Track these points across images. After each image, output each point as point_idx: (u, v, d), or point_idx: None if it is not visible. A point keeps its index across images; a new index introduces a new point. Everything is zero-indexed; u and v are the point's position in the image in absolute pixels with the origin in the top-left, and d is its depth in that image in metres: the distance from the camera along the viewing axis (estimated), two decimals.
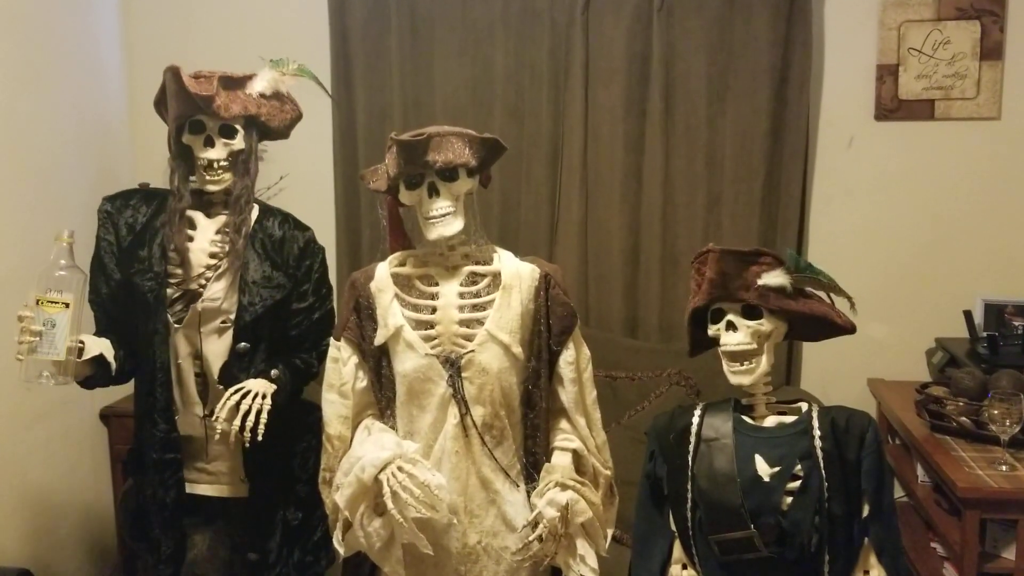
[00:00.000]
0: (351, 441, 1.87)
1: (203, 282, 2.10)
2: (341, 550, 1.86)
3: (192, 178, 2.15)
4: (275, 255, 2.17)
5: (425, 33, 3.28)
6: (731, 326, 1.77)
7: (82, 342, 2.02)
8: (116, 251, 2.15)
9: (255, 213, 2.19)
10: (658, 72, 3.15)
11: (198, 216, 2.15)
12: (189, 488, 2.18)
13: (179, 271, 2.11)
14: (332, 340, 1.92)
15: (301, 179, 3.35)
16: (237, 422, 1.98)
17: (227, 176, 2.11)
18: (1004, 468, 2.31)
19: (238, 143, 2.11)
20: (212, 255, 2.12)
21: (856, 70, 3.16)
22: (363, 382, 1.89)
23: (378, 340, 1.85)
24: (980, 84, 3.09)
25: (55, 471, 2.88)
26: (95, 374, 2.08)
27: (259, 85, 2.16)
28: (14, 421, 2.65)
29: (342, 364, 1.89)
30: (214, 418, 2.00)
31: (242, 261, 2.11)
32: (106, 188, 3.09)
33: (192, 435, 2.17)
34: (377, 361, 1.87)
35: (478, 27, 3.25)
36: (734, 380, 1.77)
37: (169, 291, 2.11)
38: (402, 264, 1.90)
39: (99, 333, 2.16)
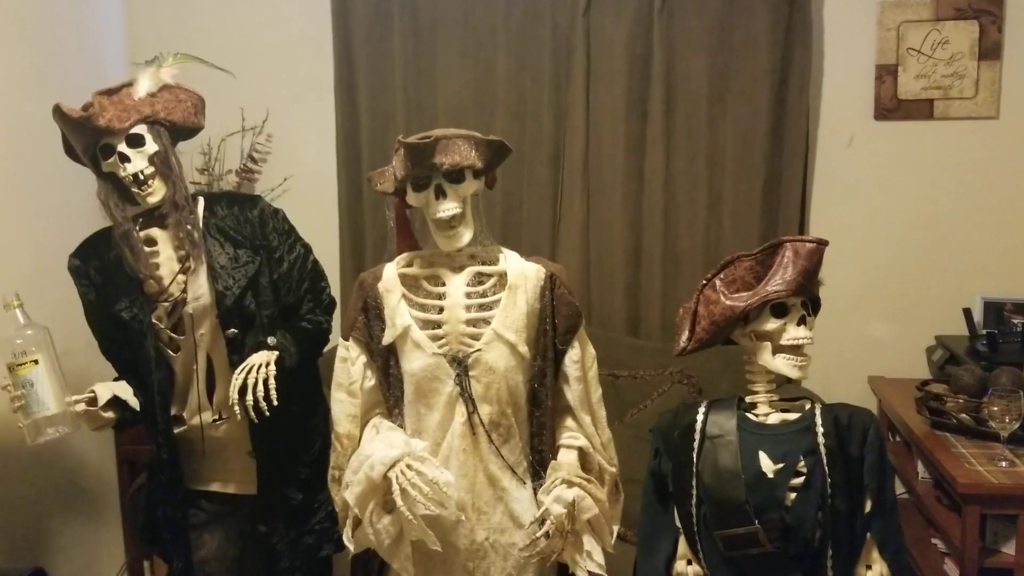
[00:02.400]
0: (360, 439, 1.89)
1: (183, 286, 2.11)
2: (351, 547, 1.88)
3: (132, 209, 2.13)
4: (234, 235, 2.16)
5: (427, 36, 3.30)
6: (802, 320, 1.77)
7: (93, 392, 2.05)
8: (96, 297, 2.15)
9: (201, 204, 2.19)
10: (659, 73, 3.17)
11: (154, 232, 2.13)
12: (199, 485, 2.21)
13: (156, 288, 2.10)
14: (341, 340, 1.95)
15: (305, 181, 3.39)
16: (249, 397, 2.00)
17: (158, 184, 2.08)
18: (1004, 464, 2.34)
19: (150, 147, 2.07)
20: (180, 259, 2.12)
21: (855, 70, 3.18)
22: (371, 381, 1.91)
23: (386, 340, 1.87)
24: (978, 84, 3.11)
25: (63, 472, 2.90)
26: (122, 416, 2.12)
27: (141, 87, 2.11)
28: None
29: (350, 363, 1.91)
30: (230, 402, 2.02)
31: (206, 251, 2.12)
32: None
33: (202, 435, 2.18)
34: (385, 360, 1.89)
35: (480, 29, 3.27)
36: (795, 374, 1.76)
37: (158, 311, 2.11)
38: (409, 265, 1.92)
39: (119, 378, 2.19)
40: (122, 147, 2.04)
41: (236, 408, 2.01)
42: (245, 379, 2.03)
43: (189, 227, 2.10)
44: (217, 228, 2.16)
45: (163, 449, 2.15)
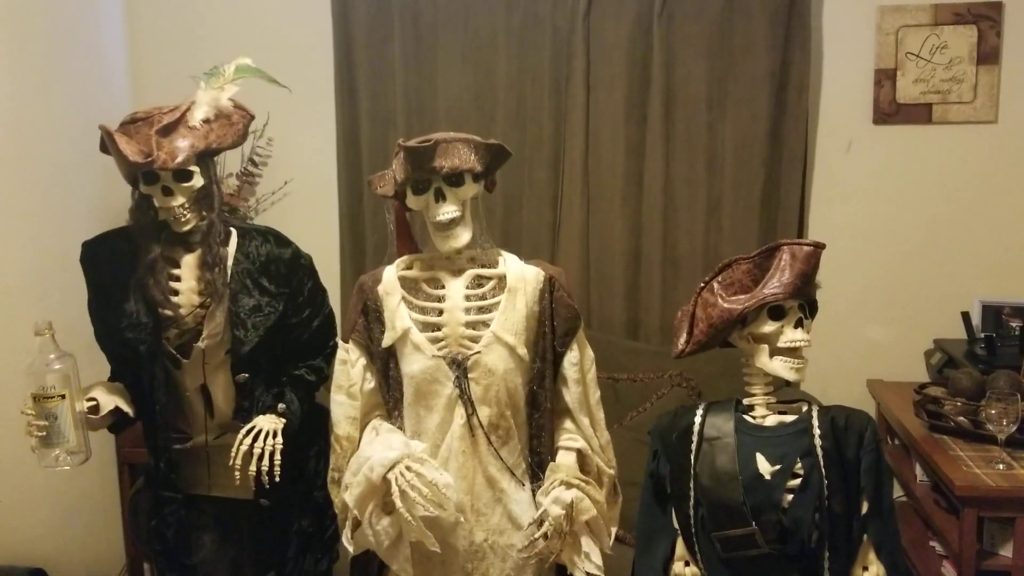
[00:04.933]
0: (359, 441, 1.91)
1: (199, 319, 2.07)
2: (351, 548, 1.89)
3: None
4: (262, 279, 2.11)
5: (428, 40, 3.31)
6: (799, 323, 1.78)
7: (94, 399, 2.04)
8: (107, 295, 2.09)
9: (233, 240, 2.12)
10: (658, 77, 3.18)
11: (179, 253, 2.08)
12: (199, 491, 2.21)
13: (171, 314, 2.06)
14: (340, 342, 1.95)
15: (305, 184, 3.41)
16: (253, 466, 1.99)
17: (192, 216, 2.03)
18: (1001, 467, 2.34)
19: (196, 181, 2.01)
20: (201, 292, 2.07)
21: (854, 74, 3.19)
22: (371, 383, 1.93)
23: (386, 342, 1.88)
24: (977, 88, 3.12)
25: (64, 473, 2.89)
26: (117, 422, 2.12)
27: (199, 114, 2.04)
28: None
29: (350, 366, 1.92)
30: (231, 462, 2.00)
31: (230, 294, 2.07)
32: (112, 193, 3.11)
33: (201, 448, 2.18)
34: (385, 363, 1.91)
35: (480, 34, 3.28)
36: (792, 376, 1.77)
37: (169, 334, 2.07)
38: (409, 267, 1.93)
39: (113, 374, 2.18)
40: (168, 181, 1.98)
41: (237, 474, 1.99)
42: (251, 445, 2.01)
43: (215, 271, 2.04)
44: (247, 272, 2.10)
45: (160, 468, 2.14)
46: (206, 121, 2.04)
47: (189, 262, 2.07)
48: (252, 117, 2.13)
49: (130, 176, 2.01)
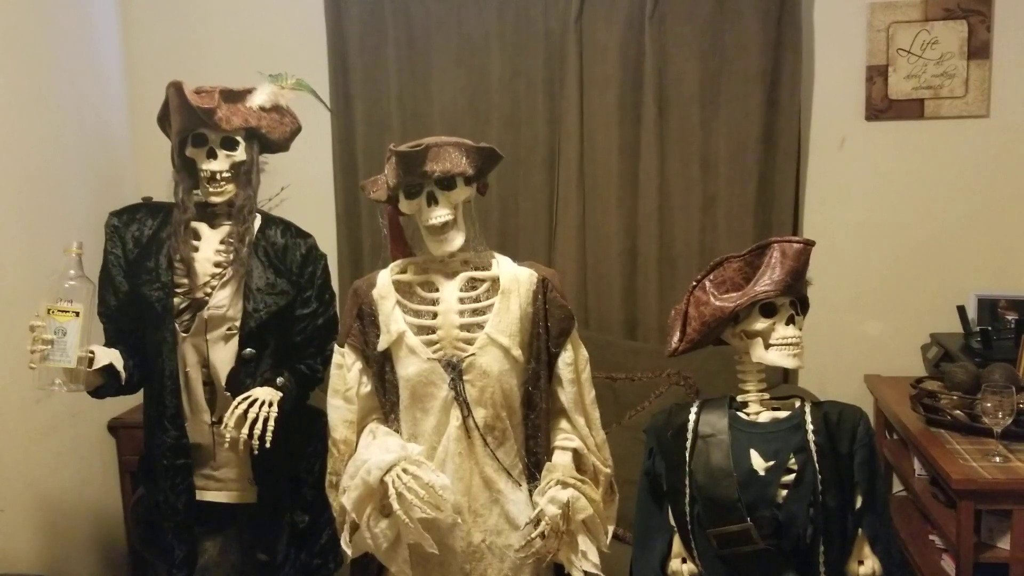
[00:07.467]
0: (356, 445, 1.92)
1: (208, 291, 2.16)
2: (349, 551, 1.90)
3: (196, 192, 2.20)
4: (278, 263, 2.23)
5: (422, 44, 3.32)
6: (791, 319, 1.80)
7: (92, 352, 2.06)
8: (123, 264, 2.19)
9: (257, 223, 2.25)
10: (651, 78, 3.19)
11: (202, 227, 2.20)
12: (199, 495, 2.22)
13: (185, 281, 2.16)
14: (336, 347, 1.97)
15: (302, 190, 3.37)
16: (245, 430, 2.03)
17: (230, 188, 2.18)
18: (997, 459, 2.35)
19: (240, 155, 2.18)
20: (217, 264, 2.17)
21: (846, 71, 3.20)
22: (367, 387, 1.94)
23: (381, 346, 1.89)
24: (968, 83, 3.13)
25: (66, 481, 2.92)
26: (106, 383, 2.13)
27: (259, 98, 2.22)
28: (25, 433, 2.69)
29: (346, 370, 1.93)
30: (223, 426, 2.04)
31: (246, 269, 2.17)
32: (109, 200, 3.13)
33: (200, 442, 2.21)
34: (380, 366, 1.92)
35: (474, 37, 3.30)
36: (791, 363, 1.79)
37: (176, 300, 2.15)
38: (403, 271, 1.95)
39: (108, 344, 2.20)
40: (216, 144, 2.15)
41: (227, 434, 2.04)
42: (247, 410, 2.05)
43: (241, 243, 2.16)
44: (264, 251, 2.22)
45: (169, 433, 2.17)
46: (262, 108, 2.23)
47: (209, 236, 2.20)
48: (299, 128, 2.31)
49: (184, 131, 2.14)
